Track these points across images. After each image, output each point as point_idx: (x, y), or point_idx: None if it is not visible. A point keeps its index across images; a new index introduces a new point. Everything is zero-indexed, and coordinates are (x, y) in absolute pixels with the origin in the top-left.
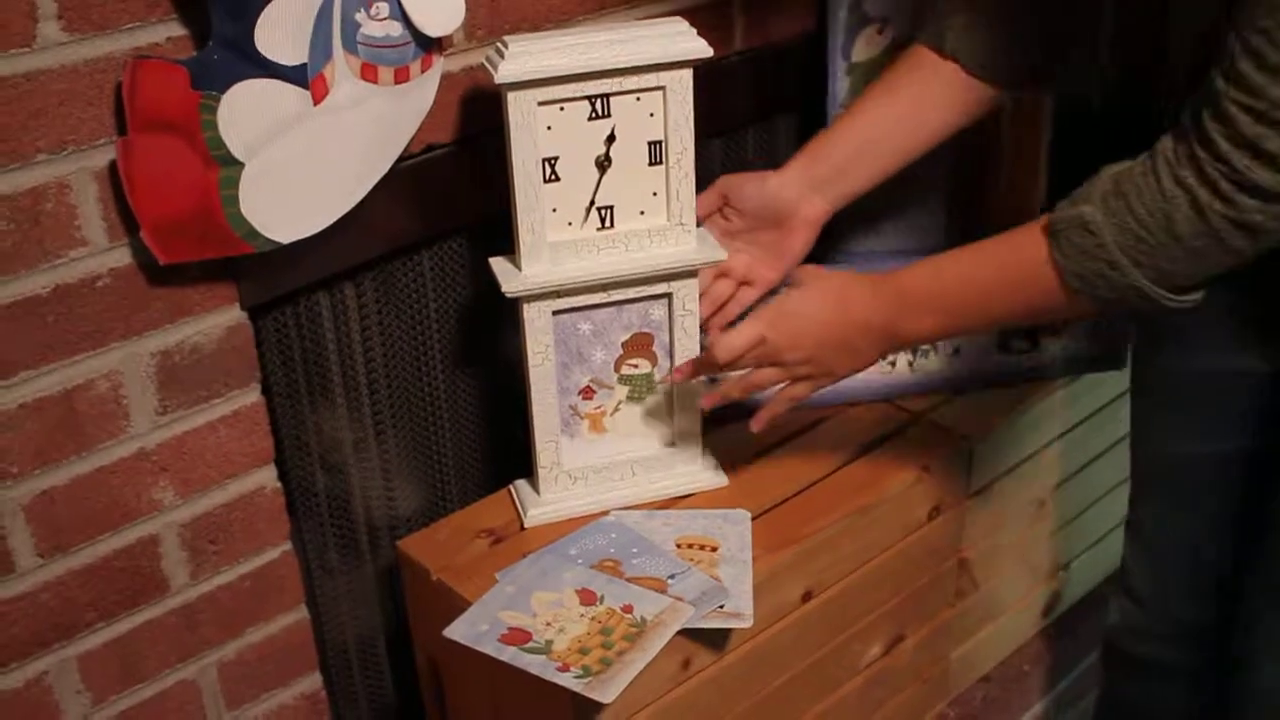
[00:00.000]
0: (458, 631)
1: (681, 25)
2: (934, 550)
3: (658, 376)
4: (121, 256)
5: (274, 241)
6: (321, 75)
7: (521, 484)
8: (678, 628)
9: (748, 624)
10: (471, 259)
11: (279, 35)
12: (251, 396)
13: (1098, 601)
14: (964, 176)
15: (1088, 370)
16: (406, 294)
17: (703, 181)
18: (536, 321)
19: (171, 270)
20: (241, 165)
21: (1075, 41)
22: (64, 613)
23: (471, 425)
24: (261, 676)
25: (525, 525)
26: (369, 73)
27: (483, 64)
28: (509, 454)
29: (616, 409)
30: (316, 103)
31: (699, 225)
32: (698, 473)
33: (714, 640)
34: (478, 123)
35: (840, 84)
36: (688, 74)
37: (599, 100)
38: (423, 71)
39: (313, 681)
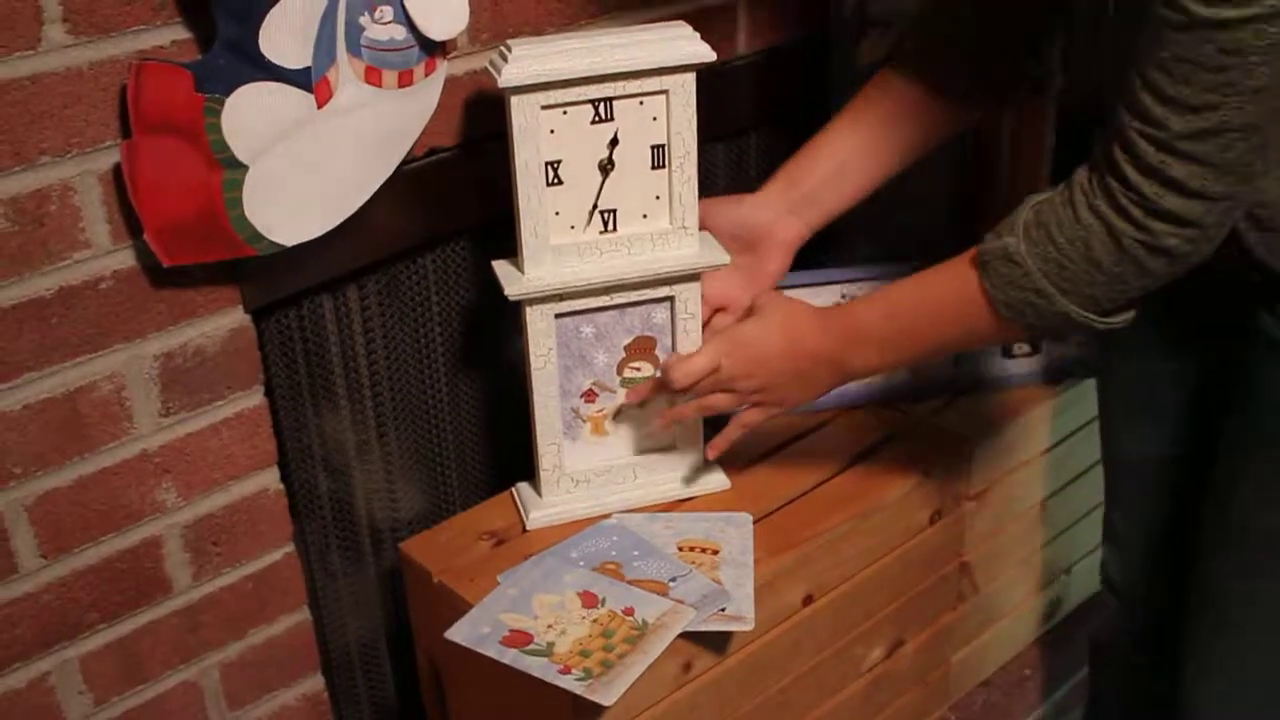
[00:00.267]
0: (459, 633)
1: (685, 29)
2: (935, 554)
3: None
4: (125, 259)
5: (277, 244)
6: (325, 78)
7: (523, 486)
8: (679, 630)
9: (749, 627)
10: (474, 262)
11: (283, 38)
12: (254, 399)
13: (1099, 606)
14: (967, 180)
15: (1088, 375)
16: (409, 297)
17: (705, 185)
18: (539, 324)
19: (175, 272)
20: (245, 168)
21: (1033, 57)
22: (66, 613)
23: (474, 428)
24: (263, 678)
25: (527, 528)
26: (373, 76)
27: (486, 68)
28: (511, 456)
29: (619, 412)
30: (320, 106)
31: None
32: (700, 476)
33: (715, 643)
34: (481, 126)
35: (844, 88)
36: (691, 78)
37: (602, 104)
38: (426, 75)
39: (314, 683)
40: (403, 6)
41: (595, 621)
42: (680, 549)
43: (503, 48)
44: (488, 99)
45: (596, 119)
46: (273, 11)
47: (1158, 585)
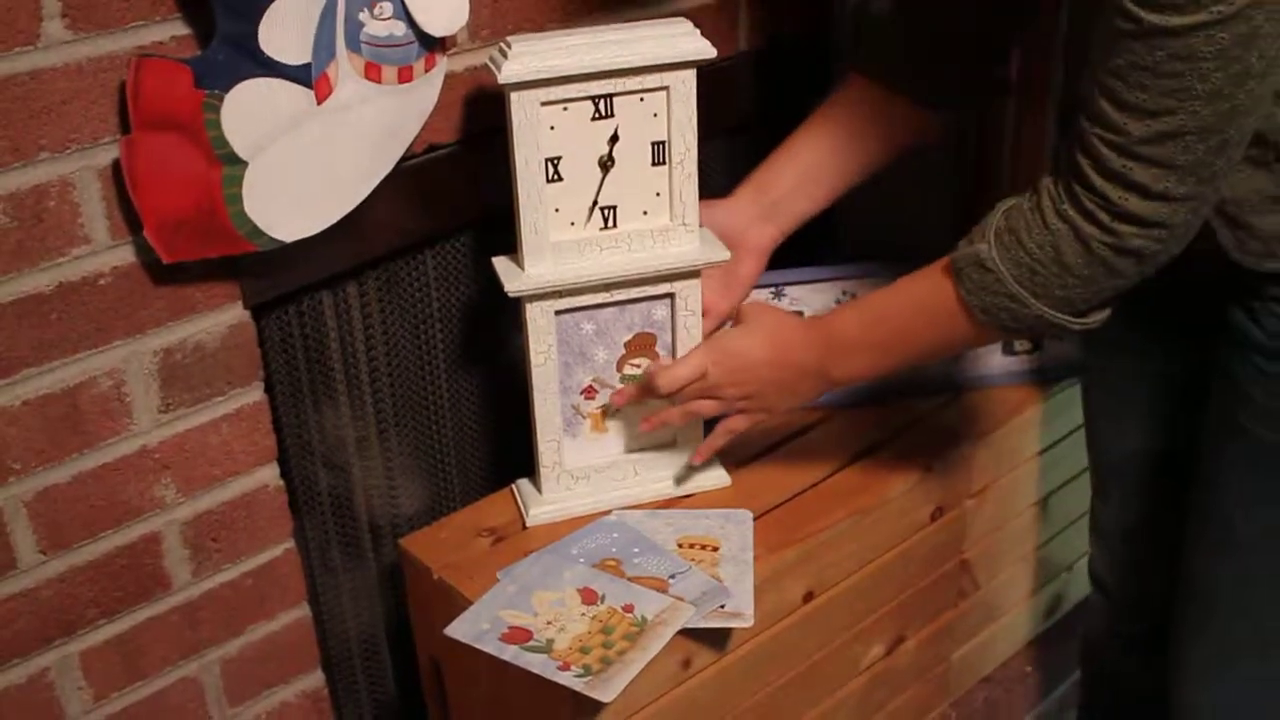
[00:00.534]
0: (459, 630)
1: (685, 25)
2: (936, 551)
3: None
4: (124, 255)
5: (277, 240)
6: (325, 74)
7: (523, 483)
8: (678, 627)
9: (749, 624)
10: (474, 258)
11: (283, 34)
12: (254, 395)
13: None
14: (967, 180)
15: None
16: (409, 293)
17: (705, 182)
18: (539, 321)
19: (174, 269)
20: (245, 164)
21: (996, 61)
22: (66, 609)
23: (474, 424)
24: (263, 674)
25: (527, 524)
26: (372, 72)
27: (486, 64)
28: (511, 453)
29: (619, 408)
30: (320, 102)
31: None
32: (700, 473)
33: (715, 640)
34: (481, 122)
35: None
36: (691, 74)
37: (602, 100)
38: (426, 71)
39: (314, 679)
40: (402, 3)
41: (595, 618)
42: (680, 545)
43: (503, 44)
44: (488, 95)
45: (597, 115)
46: (272, 7)
47: (1145, 582)
